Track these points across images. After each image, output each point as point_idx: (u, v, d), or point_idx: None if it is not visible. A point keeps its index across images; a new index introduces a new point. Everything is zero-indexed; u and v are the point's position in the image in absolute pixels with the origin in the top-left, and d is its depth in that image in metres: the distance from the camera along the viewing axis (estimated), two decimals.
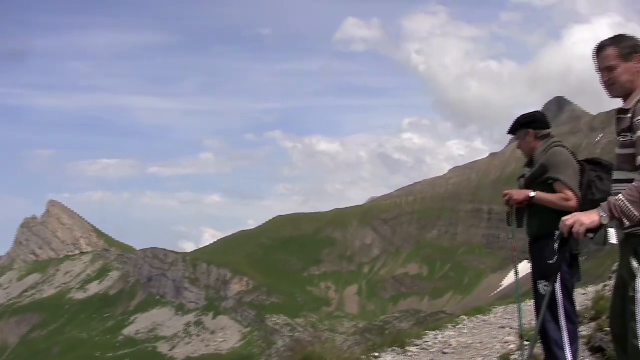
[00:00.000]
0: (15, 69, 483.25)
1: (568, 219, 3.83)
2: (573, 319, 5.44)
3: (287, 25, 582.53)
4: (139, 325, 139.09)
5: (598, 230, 3.78)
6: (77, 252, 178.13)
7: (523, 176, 5.86)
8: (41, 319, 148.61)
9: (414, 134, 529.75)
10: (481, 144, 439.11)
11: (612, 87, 3.99)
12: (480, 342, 9.89)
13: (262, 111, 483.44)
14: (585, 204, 5.09)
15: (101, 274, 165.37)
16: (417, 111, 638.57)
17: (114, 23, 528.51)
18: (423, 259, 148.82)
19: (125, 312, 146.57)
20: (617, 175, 3.95)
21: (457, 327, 11.79)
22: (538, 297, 5.56)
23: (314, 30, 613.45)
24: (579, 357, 5.74)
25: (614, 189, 3.91)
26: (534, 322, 6.99)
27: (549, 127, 5.88)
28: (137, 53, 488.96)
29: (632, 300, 3.73)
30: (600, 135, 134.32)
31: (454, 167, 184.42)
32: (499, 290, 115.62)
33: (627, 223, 3.65)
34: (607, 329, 6.52)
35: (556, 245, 4.38)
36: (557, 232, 4.08)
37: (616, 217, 3.65)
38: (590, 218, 3.73)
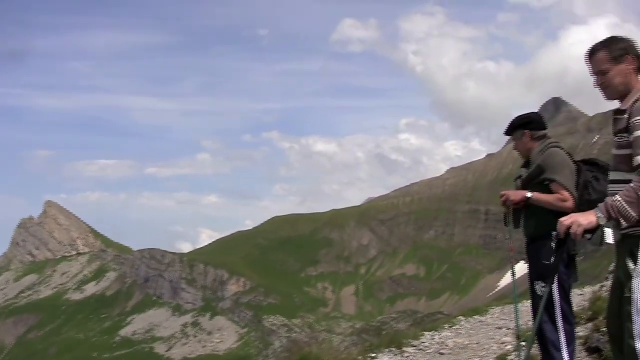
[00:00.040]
0: (14, 69, 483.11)
1: (565, 220, 3.83)
2: (570, 319, 5.44)
3: (285, 26, 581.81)
4: (135, 325, 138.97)
5: (595, 230, 3.79)
6: (73, 252, 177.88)
7: (520, 177, 5.86)
8: (38, 320, 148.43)
9: (411, 134, 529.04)
10: (478, 145, 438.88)
11: (606, 90, 4.01)
12: (477, 343, 9.90)
13: (260, 111, 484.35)
14: (582, 204, 5.11)
15: (98, 274, 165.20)
16: (414, 112, 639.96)
17: (113, 23, 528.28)
18: (420, 259, 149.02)
19: (122, 313, 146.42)
20: (613, 175, 3.96)
21: (454, 327, 11.79)
22: (535, 297, 5.56)
23: (311, 31, 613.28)
24: (576, 358, 5.74)
25: (610, 189, 3.92)
26: (531, 323, 6.99)
27: (545, 128, 5.89)
28: (136, 53, 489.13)
29: (628, 300, 3.74)
30: (597, 136, 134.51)
31: (451, 168, 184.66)
32: (495, 290, 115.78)
33: (623, 224, 3.65)
34: (604, 329, 6.52)
35: (553, 246, 4.37)
36: (554, 233, 4.09)
37: (613, 218, 3.66)
38: (587, 219, 3.74)
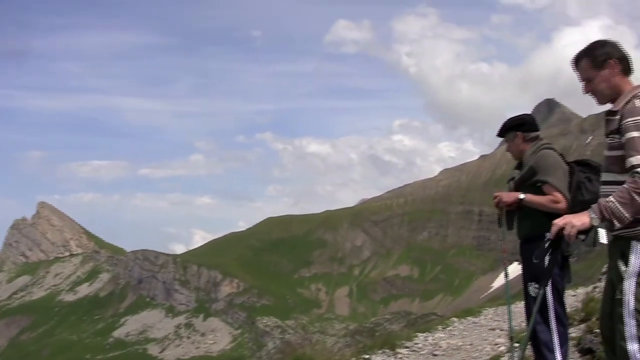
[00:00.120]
0: (6, 70, 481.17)
1: (559, 221, 3.85)
2: (563, 321, 5.44)
3: (278, 27, 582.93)
4: (129, 327, 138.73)
5: (589, 231, 3.81)
6: (67, 253, 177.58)
7: (513, 179, 5.87)
8: (31, 321, 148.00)
9: (405, 135, 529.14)
10: (472, 146, 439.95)
11: (595, 96, 4.06)
12: (470, 344, 9.91)
13: (253, 113, 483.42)
14: (575, 206, 5.12)
15: (91, 275, 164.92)
16: (408, 113, 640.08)
17: (106, 24, 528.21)
18: (413, 260, 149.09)
19: (115, 314, 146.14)
20: (605, 177, 3.97)
21: (448, 329, 11.80)
22: (528, 299, 5.56)
23: (305, 32, 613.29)
24: (569, 359, 5.75)
25: (602, 190, 3.93)
26: (524, 324, 7.00)
27: (537, 130, 5.90)
28: (129, 54, 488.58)
29: (620, 302, 3.75)
30: (590, 137, 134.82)
31: (445, 169, 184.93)
32: (489, 291, 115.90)
33: (617, 225, 3.66)
34: (597, 330, 6.55)
35: (547, 247, 4.38)
36: (548, 234, 4.10)
37: (606, 219, 3.67)
38: (581, 220, 3.76)
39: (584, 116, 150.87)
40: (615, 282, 3.84)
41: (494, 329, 10.92)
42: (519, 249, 5.73)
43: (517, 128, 5.87)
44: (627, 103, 3.81)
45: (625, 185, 3.61)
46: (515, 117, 6.01)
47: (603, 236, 3.83)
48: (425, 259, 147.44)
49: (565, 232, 3.79)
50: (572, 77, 4.13)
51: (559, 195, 5.35)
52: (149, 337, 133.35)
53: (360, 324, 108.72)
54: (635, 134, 3.65)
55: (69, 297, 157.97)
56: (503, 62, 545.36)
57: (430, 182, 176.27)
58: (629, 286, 3.72)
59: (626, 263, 3.76)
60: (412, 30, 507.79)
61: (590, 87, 4.04)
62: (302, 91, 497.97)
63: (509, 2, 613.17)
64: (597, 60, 3.97)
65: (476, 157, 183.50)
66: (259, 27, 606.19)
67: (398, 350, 9.93)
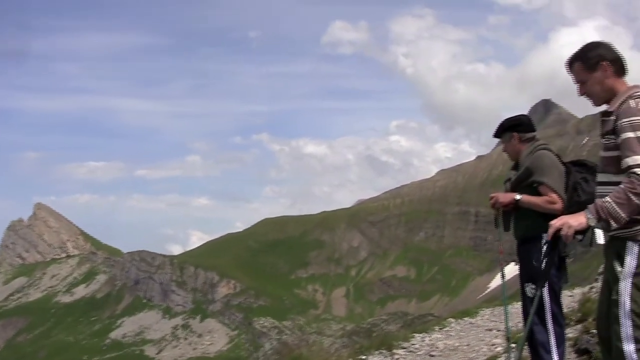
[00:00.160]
0: (3, 71, 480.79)
1: (555, 222, 3.86)
2: (560, 321, 5.45)
3: (275, 28, 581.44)
4: (126, 328, 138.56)
5: (585, 232, 3.82)
6: (63, 255, 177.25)
7: (509, 179, 5.88)
8: (27, 323, 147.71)
9: (402, 136, 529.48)
10: (468, 147, 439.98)
11: (590, 98, 4.08)
12: (467, 345, 9.91)
13: (250, 114, 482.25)
14: (571, 206, 5.11)
15: (88, 277, 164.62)
16: (405, 114, 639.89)
17: (102, 25, 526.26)
18: (410, 261, 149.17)
19: (112, 316, 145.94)
20: (601, 177, 3.98)
21: (445, 329, 11.80)
22: (525, 299, 5.57)
23: (301, 33, 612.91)
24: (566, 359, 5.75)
25: (598, 191, 3.94)
26: (521, 325, 7.00)
27: (534, 130, 5.91)
28: (125, 55, 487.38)
29: (616, 303, 3.76)
30: (587, 138, 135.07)
31: (441, 170, 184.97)
32: (486, 292, 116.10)
33: (613, 225, 3.67)
34: (594, 330, 6.55)
35: (544, 248, 4.38)
36: (545, 235, 4.10)
37: (603, 219, 3.68)
38: (577, 220, 3.77)
39: (581, 117, 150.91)
40: (611, 282, 3.85)
41: (490, 330, 10.92)
42: (516, 250, 5.74)
43: (513, 129, 5.88)
44: (622, 104, 3.82)
45: (621, 186, 3.62)
46: (512, 117, 6.02)
47: (600, 237, 3.84)
48: (422, 260, 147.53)
49: (563, 232, 3.81)
50: (568, 78, 4.15)
51: (554, 196, 5.36)
52: (145, 339, 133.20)
53: (357, 325, 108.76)
54: (630, 134, 3.66)
55: (66, 299, 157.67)
56: (500, 63, 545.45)
57: (427, 182, 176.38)
58: (624, 287, 3.73)
59: (622, 264, 3.77)
60: (409, 31, 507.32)
61: (584, 89, 4.07)
62: (299, 92, 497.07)
63: (506, 2, 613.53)
64: (590, 63, 3.99)
65: (473, 157, 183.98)
66: (255, 28, 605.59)
67: (395, 351, 9.93)
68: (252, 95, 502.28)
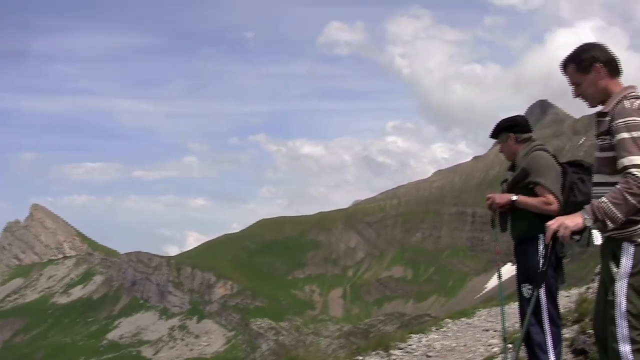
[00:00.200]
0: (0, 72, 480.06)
1: (552, 223, 3.87)
2: (557, 322, 5.45)
3: (272, 29, 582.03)
4: (122, 329, 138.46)
5: (582, 232, 3.82)
6: (60, 256, 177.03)
7: (506, 180, 5.88)
8: (24, 324, 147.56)
9: (398, 137, 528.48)
10: (465, 147, 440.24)
11: (585, 99, 4.09)
12: (464, 345, 9.91)
13: (247, 114, 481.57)
14: (568, 206, 5.11)
15: (85, 278, 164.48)
16: (401, 114, 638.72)
17: (99, 26, 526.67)
18: (407, 262, 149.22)
19: (109, 316, 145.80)
20: (596, 178, 3.99)
21: (441, 330, 11.81)
22: (522, 300, 5.57)
23: (298, 34, 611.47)
24: None
25: (594, 192, 3.95)
26: (518, 325, 7.00)
27: (530, 131, 5.91)
28: (122, 56, 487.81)
29: (612, 304, 3.76)
30: (583, 138, 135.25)
31: (438, 170, 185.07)
32: (483, 292, 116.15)
33: (610, 225, 3.67)
34: (590, 331, 6.55)
35: (541, 249, 4.38)
36: (541, 236, 4.11)
37: (599, 220, 3.68)
38: (574, 221, 3.77)
39: (577, 117, 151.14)
40: (607, 283, 3.86)
41: (487, 330, 10.93)
42: (513, 251, 5.74)
43: (509, 129, 5.87)
44: (616, 104, 3.83)
45: (618, 186, 3.62)
46: (508, 118, 6.01)
47: (597, 237, 3.85)
48: (419, 260, 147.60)
49: (559, 233, 3.81)
50: (564, 79, 4.16)
51: (551, 197, 5.36)
52: (142, 339, 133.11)
53: (354, 326, 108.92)
54: (625, 135, 3.67)
55: (63, 300, 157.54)
56: (496, 64, 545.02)
57: (423, 183, 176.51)
58: (620, 287, 3.73)
59: (617, 264, 3.77)
60: (405, 32, 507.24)
61: (579, 91, 4.08)
62: (296, 93, 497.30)
63: (502, 3, 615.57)
64: (583, 65, 4.00)
65: (469, 158, 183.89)
66: (252, 29, 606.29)
67: (392, 351, 9.93)
68: (249, 96, 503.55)
